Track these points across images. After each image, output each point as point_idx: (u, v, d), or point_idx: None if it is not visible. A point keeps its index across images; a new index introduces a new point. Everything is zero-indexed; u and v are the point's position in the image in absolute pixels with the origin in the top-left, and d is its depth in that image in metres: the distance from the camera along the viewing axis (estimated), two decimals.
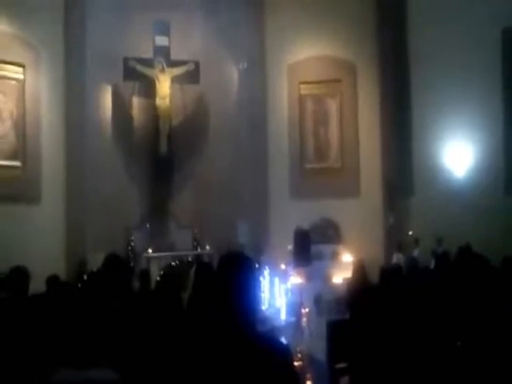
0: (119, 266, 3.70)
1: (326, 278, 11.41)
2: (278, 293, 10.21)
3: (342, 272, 10.99)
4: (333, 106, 13.71)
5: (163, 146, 13.60)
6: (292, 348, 2.47)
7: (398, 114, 13.01)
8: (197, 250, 13.27)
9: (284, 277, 10.71)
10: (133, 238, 13.01)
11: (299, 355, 4.97)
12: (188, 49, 13.76)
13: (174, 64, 13.73)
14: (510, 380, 3.55)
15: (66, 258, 11.69)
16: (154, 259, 12.44)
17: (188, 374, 2.16)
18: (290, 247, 10.66)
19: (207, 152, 13.97)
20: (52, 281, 5.69)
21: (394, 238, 12.38)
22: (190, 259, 12.62)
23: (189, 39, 13.78)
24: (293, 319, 9.14)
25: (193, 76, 13.78)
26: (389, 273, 5.00)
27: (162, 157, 13.60)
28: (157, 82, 13.64)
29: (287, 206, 13.04)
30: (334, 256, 12.32)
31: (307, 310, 8.56)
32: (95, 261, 9.26)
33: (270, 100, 13.70)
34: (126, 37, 13.17)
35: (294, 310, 9.25)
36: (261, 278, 9.61)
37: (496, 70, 12.45)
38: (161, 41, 13.72)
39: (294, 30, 13.30)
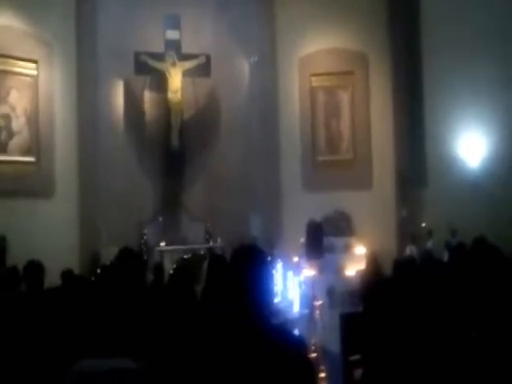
0: (132, 259, 3.72)
1: (339, 271, 11.39)
2: (291, 285, 10.22)
3: (354, 264, 10.96)
4: (344, 97, 13.64)
5: (175, 140, 13.64)
6: (305, 340, 2.48)
7: (411, 105, 12.91)
8: (209, 243, 13.32)
9: (297, 269, 10.71)
10: (145, 231, 13.08)
11: (313, 347, 4.97)
12: (199, 43, 13.75)
13: (185, 58, 13.74)
14: None
15: (80, 253, 11.79)
16: (166, 252, 12.51)
17: (203, 366, 2.17)
18: (303, 240, 10.67)
19: (219, 145, 13.98)
20: (67, 275, 5.75)
21: (407, 229, 12.32)
22: (202, 252, 12.67)
23: (200, 33, 13.77)
24: (306, 312, 9.15)
25: (204, 69, 13.77)
26: (402, 265, 4.97)
27: (173, 151, 13.64)
28: (168, 76, 13.66)
29: (299, 198, 13.02)
30: (347, 248, 12.29)
31: (320, 302, 8.56)
32: (108, 255, 9.34)
33: (282, 93, 13.66)
34: (137, 31, 13.19)
35: (307, 302, 9.25)
36: (273, 271, 9.62)
37: (510, 61, 12.29)
38: (172, 35, 13.73)
39: (304, 23, 13.23)
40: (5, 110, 11.28)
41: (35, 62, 11.70)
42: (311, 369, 2.26)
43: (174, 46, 13.74)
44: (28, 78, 11.63)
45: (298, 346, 2.20)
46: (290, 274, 10.42)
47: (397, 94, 13.01)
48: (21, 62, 11.49)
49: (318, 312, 8.24)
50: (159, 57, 13.63)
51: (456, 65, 12.32)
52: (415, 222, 12.36)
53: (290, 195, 13.27)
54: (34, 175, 11.55)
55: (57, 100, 12.03)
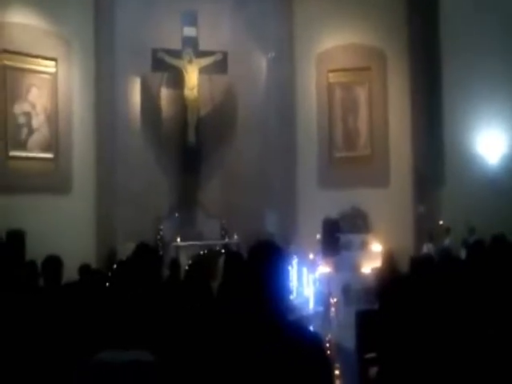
0: (149, 254, 3.75)
1: (355, 268, 11.35)
2: (307, 282, 10.22)
3: (370, 262, 10.91)
4: (362, 94, 13.55)
5: (191, 137, 13.67)
6: (321, 337, 2.48)
7: (429, 101, 12.78)
8: (225, 239, 13.35)
9: (312, 266, 10.69)
10: (162, 227, 13.16)
11: (328, 345, 4.96)
12: (216, 39, 13.76)
13: (202, 54, 13.75)
14: None
15: (97, 248, 11.90)
16: (182, 248, 12.56)
17: (219, 361, 2.18)
18: (319, 237, 10.64)
19: (235, 142, 13.99)
20: (84, 269, 5.81)
21: (425, 227, 12.22)
22: (218, 248, 12.70)
23: (217, 30, 13.77)
24: (321, 309, 9.14)
25: (221, 66, 13.77)
26: (419, 263, 4.94)
27: (190, 147, 13.68)
28: (185, 73, 13.69)
29: (316, 195, 12.98)
30: (363, 245, 12.24)
31: (335, 299, 8.54)
32: (125, 250, 9.41)
33: (299, 89, 13.62)
34: (155, 28, 13.24)
35: (323, 299, 9.24)
36: (289, 268, 9.61)
37: None
38: (189, 31, 13.75)
39: (322, 19, 13.16)
40: (25, 107, 11.42)
41: (54, 59, 11.83)
42: (328, 365, 2.25)
43: (191, 42, 13.77)
44: (47, 76, 11.76)
45: (315, 342, 2.20)
46: (305, 270, 10.41)
47: (415, 91, 12.89)
48: (40, 60, 11.63)
49: (333, 309, 8.22)
50: (176, 54, 13.66)
51: (474, 62, 12.17)
52: (433, 220, 12.26)
53: (306, 192, 13.24)
54: (53, 172, 11.69)
55: (75, 97, 12.15)
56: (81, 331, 3.64)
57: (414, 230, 12.55)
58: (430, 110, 12.78)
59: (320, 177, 13.42)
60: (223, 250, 12.11)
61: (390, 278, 5.18)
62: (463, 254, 8.15)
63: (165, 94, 14.06)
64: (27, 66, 11.43)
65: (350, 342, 5.65)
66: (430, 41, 12.78)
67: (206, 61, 13.73)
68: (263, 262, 2.20)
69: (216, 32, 13.74)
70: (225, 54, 13.70)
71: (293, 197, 13.39)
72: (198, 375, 2.74)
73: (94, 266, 7.74)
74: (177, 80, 13.84)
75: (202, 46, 13.76)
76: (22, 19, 11.29)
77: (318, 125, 13.57)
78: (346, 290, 9.84)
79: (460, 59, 12.26)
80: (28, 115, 11.47)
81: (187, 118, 13.66)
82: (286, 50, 13.61)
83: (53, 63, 11.82)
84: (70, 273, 5.27)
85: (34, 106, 11.57)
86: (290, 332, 2.16)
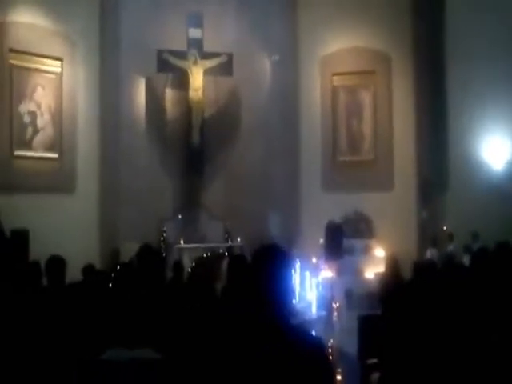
0: (152, 256, 3.75)
1: (358, 273, 11.34)
2: (309, 286, 10.20)
3: (373, 267, 10.90)
4: (366, 97, 13.54)
5: (195, 138, 13.68)
6: (324, 341, 2.48)
7: (433, 106, 12.75)
8: (228, 242, 13.34)
9: (315, 270, 10.68)
10: (165, 228, 13.16)
11: (330, 350, 4.95)
12: (221, 41, 13.77)
13: (207, 56, 13.77)
14: None
15: (100, 248, 11.91)
16: (185, 250, 12.56)
17: (221, 364, 2.17)
18: (322, 241, 10.62)
19: (239, 144, 13.99)
20: (88, 269, 5.80)
21: (428, 232, 12.18)
22: (221, 251, 12.69)
23: (222, 31, 13.79)
24: (323, 313, 9.12)
25: (226, 68, 13.78)
26: (422, 268, 4.92)
27: (194, 149, 13.69)
28: (190, 75, 13.71)
29: (319, 198, 12.96)
30: (366, 250, 12.22)
31: (338, 304, 8.52)
32: (128, 251, 9.41)
33: (303, 92, 13.62)
34: (160, 29, 13.26)
35: (325, 304, 9.22)
36: (292, 272, 9.59)
37: None
38: (194, 33, 13.77)
39: (326, 22, 13.16)
40: (31, 107, 11.45)
41: (60, 59, 11.86)
42: (330, 369, 2.25)
43: (197, 44, 13.78)
44: (53, 76, 11.79)
45: (317, 347, 2.20)
46: (308, 274, 10.39)
47: (419, 95, 12.86)
48: (46, 60, 11.66)
49: (335, 314, 8.20)
50: (181, 55, 13.68)
51: (479, 66, 12.14)
52: (436, 225, 12.22)
53: (309, 195, 13.22)
54: (57, 172, 11.71)
55: (80, 97, 12.18)
56: (85, 331, 3.64)
57: (418, 235, 12.51)
58: (434, 114, 12.76)
59: (323, 180, 13.41)
60: (226, 253, 12.10)
61: (393, 283, 5.17)
62: (466, 259, 8.13)
63: (169, 95, 14.08)
64: (33, 66, 11.46)
65: (351, 346, 5.63)
66: (434, 44, 12.75)
67: (211, 62, 13.74)
68: (267, 265, 2.20)
69: (220, 33, 13.75)
70: (230, 56, 13.71)
71: (296, 200, 13.38)
72: (200, 376, 2.74)
73: (97, 266, 7.74)
74: (182, 81, 13.85)
75: (207, 47, 13.77)
76: (28, 19, 11.33)
77: (322, 128, 13.56)
78: (348, 295, 9.83)
79: (465, 63, 12.23)
80: (33, 115, 11.50)
81: (191, 120, 13.66)
82: (291, 52, 13.62)
83: (58, 63, 11.85)
84: (73, 273, 5.27)
85: (39, 106, 11.60)
86: (292, 336, 2.16)
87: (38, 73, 11.57)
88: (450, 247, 11.41)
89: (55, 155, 11.82)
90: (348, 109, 13.61)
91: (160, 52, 13.37)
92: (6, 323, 3.82)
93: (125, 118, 13.04)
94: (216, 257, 10.86)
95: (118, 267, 4.86)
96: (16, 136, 11.21)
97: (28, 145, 11.42)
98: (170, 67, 13.61)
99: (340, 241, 9.75)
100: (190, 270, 5.77)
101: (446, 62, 12.70)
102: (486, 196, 11.53)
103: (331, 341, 5.48)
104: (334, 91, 13.62)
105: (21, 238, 9.41)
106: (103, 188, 12.32)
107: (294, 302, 9.06)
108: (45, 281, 4.54)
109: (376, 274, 10.12)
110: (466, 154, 12.38)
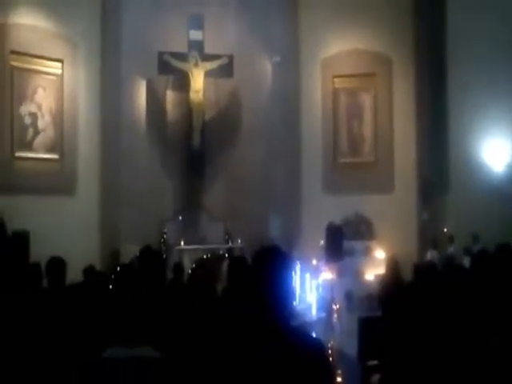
0: (153, 257, 3.76)
1: (358, 274, 11.34)
2: (309, 288, 10.20)
3: (374, 268, 10.90)
4: (367, 99, 13.55)
5: (196, 140, 13.70)
6: (324, 343, 2.49)
7: (434, 108, 12.76)
8: (228, 243, 13.34)
9: (315, 272, 10.68)
10: (165, 230, 13.16)
11: (330, 351, 4.95)
12: (222, 43, 13.79)
13: (207, 58, 13.79)
14: None
15: (101, 249, 11.91)
16: (186, 252, 12.56)
17: (221, 365, 2.18)
18: (322, 242, 10.63)
19: (240, 146, 14.00)
20: (89, 271, 5.81)
21: (429, 234, 12.18)
22: (221, 252, 12.69)
23: (223, 33, 13.81)
24: (323, 315, 9.12)
25: (226, 70, 13.80)
26: (422, 270, 4.93)
27: (194, 151, 13.70)
28: (191, 76, 13.73)
29: (320, 200, 12.97)
30: (367, 252, 12.22)
31: (338, 306, 8.52)
32: (128, 253, 9.42)
33: (304, 94, 13.63)
34: (161, 31, 13.28)
35: (325, 305, 9.22)
36: (293, 273, 9.60)
37: None
38: (195, 35, 13.79)
39: (327, 24, 13.17)
40: (31, 108, 11.47)
41: (61, 61, 11.89)
42: (330, 371, 2.26)
43: (197, 46, 13.80)
44: (54, 77, 11.82)
45: (317, 349, 2.21)
46: (308, 276, 10.39)
47: (420, 98, 12.87)
48: (47, 61, 11.69)
49: (335, 315, 8.20)
50: (182, 57, 13.70)
51: (480, 68, 12.15)
52: (437, 227, 12.22)
53: (310, 197, 13.23)
54: (58, 173, 11.72)
55: (81, 99, 12.20)
56: (85, 332, 3.65)
57: (418, 237, 12.52)
58: (435, 116, 12.76)
59: (324, 182, 13.42)
60: (227, 254, 12.11)
61: (393, 285, 5.17)
62: (467, 261, 8.13)
63: (170, 96, 14.09)
64: (34, 67, 11.49)
65: (351, 348, 5.63)
66: (435, 46, 12.76)
67: (211, 64, 13.76)
68: (267, 266, 2.21)
69: (221, 35, 13.77)
70: (231, 58, 13.73)
71: (297, 202, 13.38)
72: (200, 375, 2.75)
73: (98, 267, 7.75)
74: (182, 83, 13.87)
75: (208, 50, 13.80)
76: (29, 21, 11.35)
77: (323, 130, 13.57)
78: (348, 297, 9.83)
79: (466, 65, 12.24)
80: (34, 116, 11.52)
81: (192, 122, 13.68)
82: (291, 54, 13.63)
83: (59, 65, 11.87)
84: (74, 274, 5.27)
85: (39, 107, 11.62)
86: (292, 337, 2.17)
87: (39, 74, 11.59)
88: (451, 249, 11.41)
89: (56, 156, 11.84)
90: (349, 111, 13.62)
91: (161, 54, 13.39)
92: (7, 324, 3.82)
93: (125, 119, 13.06)
94: (216, 258, 10.86)
95: (119, 268, 4.87)
96: (17, 137, 11.23)
97: (29, 146, 11.44)
98: (170, 69, 13.63)
99: (340, 242, 9.76)
100: (190, 271, 5.78)
101: (446, 64, 12.70)
102: (486, 198, 11.53)
103: (331, 342, 5.49)
104: (335, 93, 13.63)
105: (21, 239, 9.42)
106: (104, 189, 12.33)
107: (294, 303, 9.05)
108: (45, 282, 4.55)
109: (376, 276, 10.14)
110: (467, 156, 12.38)
